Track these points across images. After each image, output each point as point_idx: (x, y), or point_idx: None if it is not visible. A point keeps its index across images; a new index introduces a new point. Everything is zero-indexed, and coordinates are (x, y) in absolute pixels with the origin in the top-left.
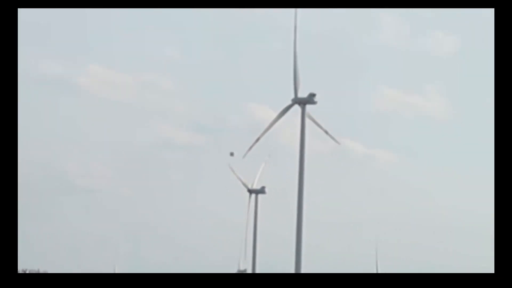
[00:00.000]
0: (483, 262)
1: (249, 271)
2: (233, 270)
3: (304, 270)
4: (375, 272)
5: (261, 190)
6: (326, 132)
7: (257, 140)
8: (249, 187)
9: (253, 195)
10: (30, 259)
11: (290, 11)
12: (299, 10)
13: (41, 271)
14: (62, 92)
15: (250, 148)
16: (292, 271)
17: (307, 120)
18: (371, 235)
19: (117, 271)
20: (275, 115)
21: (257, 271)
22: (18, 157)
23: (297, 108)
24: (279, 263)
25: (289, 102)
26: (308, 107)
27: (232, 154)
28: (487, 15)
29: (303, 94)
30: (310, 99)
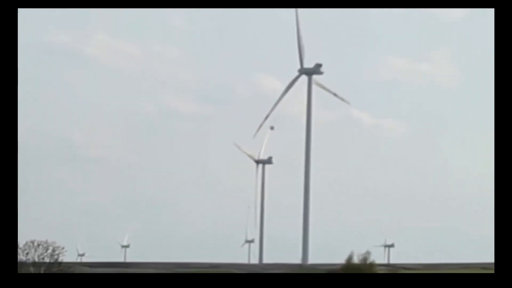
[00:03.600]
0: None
1: (257, 241)
2: (241, 240)
3: (311, 239)
4: (383, 241)
5: (268, 161)
6: (335, 95)
7: (266, 117)
8: (256, 158)
9: (260, 165)
10: (36, 229)
11: None
12: None
13: (49, 242)
14: (70, 61)
15: (260, 126)
16: (300, 241)
17: (314, 89)
18: (378, 203)
19: (125, 243)
20: (281, 85)
21: (265, 241)
22: (22, 128)
23: (303, 78)
24: (286, 232)
25: (296, 73)
26: (315, 77)
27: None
28: None
29: (309, 64)
30: (317, 69)
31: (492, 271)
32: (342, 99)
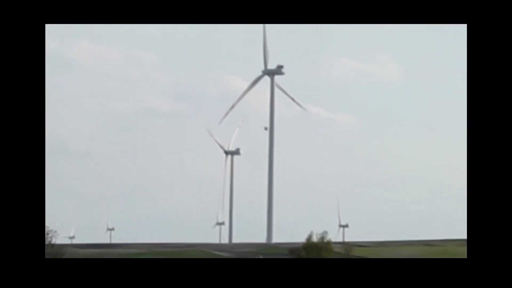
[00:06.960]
0: (437, 212)
1: (227, 223)
2: (212, 222)
3: (275, 221)
4: (337, 222)
5: (236, 152)
6: (293, 99)
7: (232, 107)
8: (225, 148)
9: (229, 156)
10: None
11: None
12: None
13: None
14: (57, 65)
15: (226, 114)
16: (265, 223)
17: (275, 89)
18: (334, 189)
19: (110, 226)
20: (247, 85)
21: (234, 223)
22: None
23: (266, 78)
24: (253, 216)
25: (260, 74)
26: (277, 77)
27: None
28: None
29: (272, 66)
30: (278, 70)
31: (435, 247)
32: (299, 104)
